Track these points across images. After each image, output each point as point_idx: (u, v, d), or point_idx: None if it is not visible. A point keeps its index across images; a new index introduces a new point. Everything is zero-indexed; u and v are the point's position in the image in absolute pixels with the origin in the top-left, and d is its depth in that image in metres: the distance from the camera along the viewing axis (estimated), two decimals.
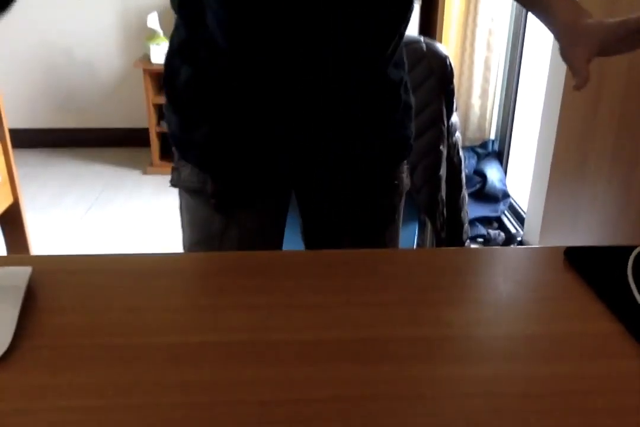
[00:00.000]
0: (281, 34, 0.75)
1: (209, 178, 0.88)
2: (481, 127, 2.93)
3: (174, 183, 0.92)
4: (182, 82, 0.85)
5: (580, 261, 0.65)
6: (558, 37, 0.76)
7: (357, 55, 0.79)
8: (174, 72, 0.86)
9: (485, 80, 2.77)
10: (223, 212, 0.89)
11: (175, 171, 0.93)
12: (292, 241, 1.11)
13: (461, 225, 1.53)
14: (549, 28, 0.78)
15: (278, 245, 0.98)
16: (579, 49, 0.73)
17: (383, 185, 0.95)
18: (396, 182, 0.96)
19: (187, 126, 0.88)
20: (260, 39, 0.76)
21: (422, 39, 1.34)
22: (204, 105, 0.85)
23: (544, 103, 1.93)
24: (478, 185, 2.67)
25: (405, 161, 0.97)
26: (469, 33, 2.52)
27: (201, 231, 0.92)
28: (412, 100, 0.94)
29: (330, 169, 0.91)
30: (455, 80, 1.45)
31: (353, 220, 0.95)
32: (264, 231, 0.94)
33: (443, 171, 1.42)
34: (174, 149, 0.92)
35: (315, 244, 1.01)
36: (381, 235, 0.98)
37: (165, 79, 0.88)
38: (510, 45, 2.59)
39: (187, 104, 0.87)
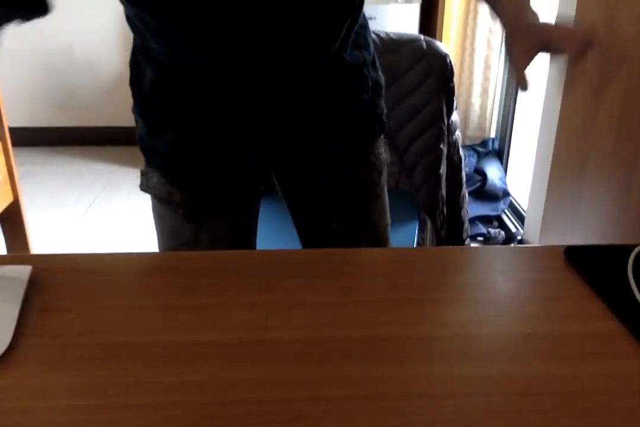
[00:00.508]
0: (211, 34, 0.75)
1: (176, 189, 0.88)
2: (481, 126, 2.93)
3: (143, 188, 0.93)
4: (147, 84, 0.85)
5: (580, 260, 0.65)
6: (504, 31, 0.76)
7: (301, 47, 0.78)
8: (139, 74, 0.86)
9: (486, 79, 2.77)
10: (192, 220, 0.90)
11: (144, 176, 0.92)
12: (284, 240, 1.11)
13: (461, 224, 1.53)
14: (498, 21, 0.78)
15: (251, 248, 0.99)
16: (519, 48, 0.72)
17: (359, 163, 0.96)
18: (371, 158, 0.96)
19: (152, 131, 0.88)
20: (192, 41, 0.76)
21: (422, 37, 1.34)
22: (168, 109, 0.85)
23: (544, 102, 1.93)
24: (478, 184, 2.67)
25: (381, 137, 0.98)
26: (469, 32, 2.52)
27: (172, 239, 0.93)
28: (382, 78, 0.95)
29: (305, 153, 0.91)
30: (456, 79, 1.45)
31: (335, 199, 0.96)
32: (235, 235, 0.95)
33: (443, 170, 1.42)
34: (141, 153, 0.92)
35: (306, 229, 1.02)
36: (366, 212, 0.98)
37: (131, 81, 0.88)
38: None
39: (152, 107, 0.86)
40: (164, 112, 0.86)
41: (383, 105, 0.95)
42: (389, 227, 1.03)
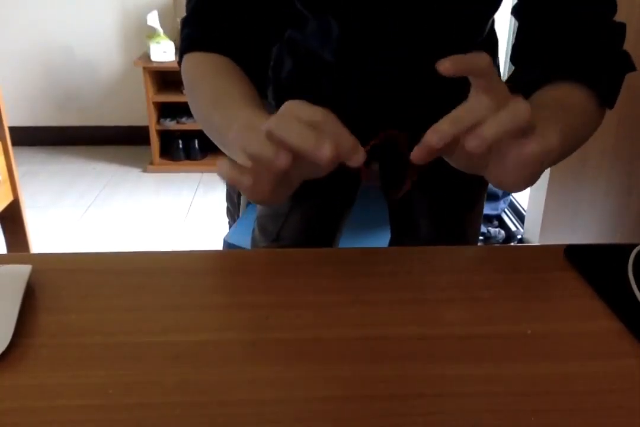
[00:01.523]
0: (386, 44, 0.78)
1: None
2: None
3: None
4: (285, 73, 0.89)
5: (581, 259, 0.65)
6: None
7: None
8: (280, 62, 0.91)
9: None
10: (292, 196, 0.95)
11: None
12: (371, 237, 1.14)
13: None
14: None
15: (334, 236, 1.04)
16: None
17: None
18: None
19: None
20: (368, 52, 0.80)
21: None
22: (298, 94, 0.88)
23: None
24: None
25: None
26: None
27: (269, 207, 1.01)
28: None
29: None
30: None
31: (432, 200, 0.98)
32: (323, 220, 1.01)
33: None
34: None
35: (397, 222, 1.06)
36: (461, 219, 1.00)
37: (272, 67, 0.92)
38: (510, 44, 2.59)
39: (284, 93, 0.90)
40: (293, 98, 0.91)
41: None
42: (479, 233, 1.05)
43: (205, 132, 0.71)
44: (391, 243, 1.10)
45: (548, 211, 1.88)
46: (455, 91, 0.82)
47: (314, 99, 0.87)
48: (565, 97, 0.67)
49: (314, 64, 0.86)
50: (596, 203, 1.45)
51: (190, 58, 0.75)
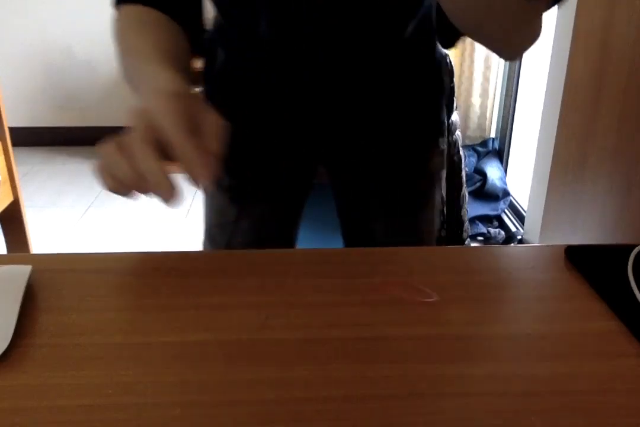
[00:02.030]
0: (311, 24, 0.77)
1: (225, 174, 0.90)
2: (481, 126, 2.93)
3: None
4: (217, 67, 0.87)
5: (581, 260, 0.65)
6: None
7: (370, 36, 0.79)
8: (212, 52, 0.88)
9: (486, 79, 2.77)
10: (237, 204, 0.93)
11: None
12: (326, 239, 1.12)
13: (461, 223, 1.53)
14: None
15: (290, 239, 1.00)
16: None
17: (414, 167, 0.95)
18: (428, 165, 0.95)
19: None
20: (299, 29, 0.78)
21: None
22: (230, 95, 0.87)
23: (544, 102, 1.93)
24: (478, 184, 2.67)
25: (441, 146, 0.96)
26: None
27: (217, 217, 0.97)
28: (454, 84, 0.95)
29: (360, 150, 0.91)
30: (456, 79, 1.45)
31: (384, 200, 0.95)
32: (275, 224, 0.97)
33: (443, 169, 1.42)
34: None
35: (350, 227, 1.02)
36: (414, 216, 0.97)
37: (204, 66, 0.91)
38: None
39: (217, 91, 0.89)
40: (226, 97, 0.88)
41: (445, 109, 0.94)
42: (435, 233, 1.03)
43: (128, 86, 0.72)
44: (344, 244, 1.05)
45: (548, 211, 1.88)
46: (391, 74, 0.81)
47: (250, 90, 0.87)
48: None
49: (248, 50, 0.84)
50: (596, 203, 1.45)
51: (123, 10, 0.75)
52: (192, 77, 0.71)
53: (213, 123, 0.59)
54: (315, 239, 1.28)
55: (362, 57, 0.81)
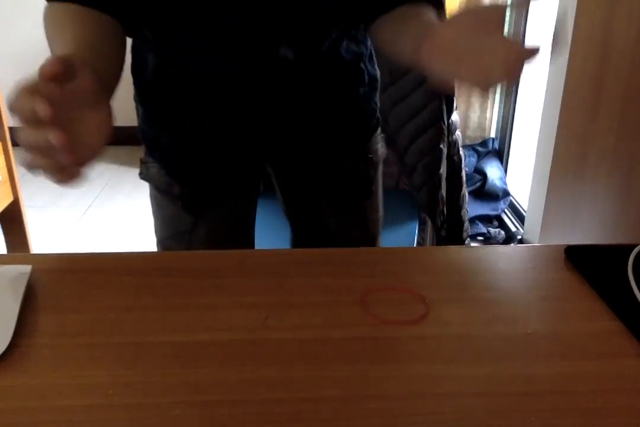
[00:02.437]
0: (209, 26, 0.76)
1: (176, 181, 0.89)
2: (481, 126, 2.93)
3: (142, 177, 0.94)
4: (149, 71, 0.86)
5: (581, 260, 0.65)
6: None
7: (295, 41, 0.79)
8: (141, 61, 0.86)
9: None
10: (191, 211, 0.91)
11: (143, 164, 0.94)
12: (282, 239, 1.11)
13: (461, 223, 1.53)
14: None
15: (248, 241, 1.00)
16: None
17: (356, 158, 0.96)
18: (369, 154, 0.96)
19: (152, 121, 0.88)
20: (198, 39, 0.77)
21: None
22: (167, 99, 0.86)
23: (544, 102, 1.93)
24: (478, 184, 2.67)
25: (378, 132, 0.98)
26: None
27: (170, 228, 0.94)
28: (378, 73, 0.96)
29: (302, 148, 0.92)
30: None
31: (331, 195, 0.96)
32: (233, 227, 0.96)
33: (443, 170, 1.42)
34: (142, 142, 0.93)
35: (299, 224, 1.02)
36: (361, 207, 0.99)
37: (132, 68, 0.89)
38: None
39: (153, 96, 0.87)
40: (163, 103, 0.86)
41: (378, 100, 0.96)
42: (381, 220, 1.05)
43: None
44: (294, 239, 1.06)
45: (548, 211, 1.88)
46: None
47: (186, 97, 0.85)
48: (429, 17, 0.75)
49: (179, 55, 0.82)
50: (596, 203, 1.45)
51: (49, 8, 0.73)
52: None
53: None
54: (273, 237, 1.27)
55: (303, 67, 0.82)
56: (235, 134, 0.87)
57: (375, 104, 0.95)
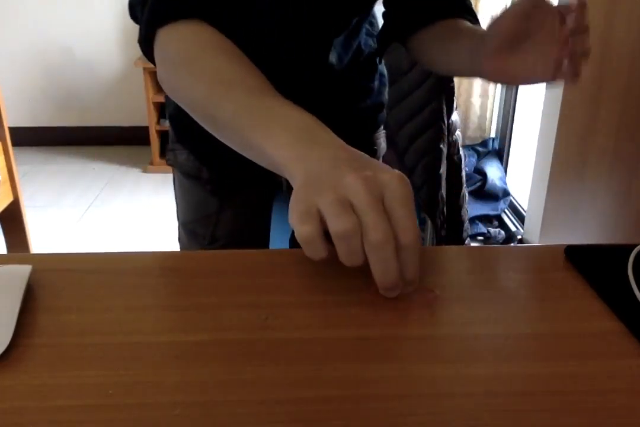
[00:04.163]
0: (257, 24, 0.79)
1: (204, 166, 0.92)
2: (481, 126, 2.93)
3: (170, 163, 0.98)
4: None
5: (581, 259, 0.65)
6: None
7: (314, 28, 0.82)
8: None
9: None
10: (218, 195, 0.94)
11: (171, 152, 0.97)
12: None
13: (461, 223, 1.53)
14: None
15: (266, 229, 1.05)
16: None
17: (363, 150, 0.99)
18: (375, 147, 1.01)
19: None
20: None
21: None
22: None
23: (544, 102, 1.93)
24: (478, 184, 2.67)
25: (381, 128, 1.03)
26: None
27: (196, 212, 0.98)
28: (385, 69, 1.00)
29: None
30: (456, 79, 1.45)
31: None
32: (255, 213, 1.02)
33: (443, 169, 1.42)
34: (171, 129, 0.96)
35: None
36: None
37: None
38: None
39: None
40: None
41: (387, 94, 1.00)
42: None
43: (202, 122, 0.62)
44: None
45: (548, 211, 1.88)
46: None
47: None
48: (467, 26, 0.78)
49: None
50: (596, 203, 1.45)
51: (168, 32, 0.62)
52: None
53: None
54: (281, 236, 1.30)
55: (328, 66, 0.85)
56: None
57: (385, 98, 0.99)
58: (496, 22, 0.66)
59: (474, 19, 0.81)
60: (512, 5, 0.65)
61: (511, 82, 0.72)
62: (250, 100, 0.56)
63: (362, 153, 0.53)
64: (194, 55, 0.61)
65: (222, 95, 0.58)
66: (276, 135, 0.53)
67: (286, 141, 0.53)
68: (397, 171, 0.50)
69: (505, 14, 0.65)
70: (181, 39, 0.63)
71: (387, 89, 1.00)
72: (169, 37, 0.63)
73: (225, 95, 0.57)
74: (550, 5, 0.64)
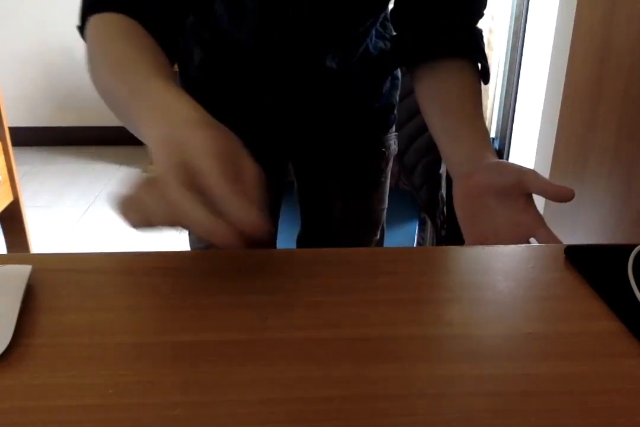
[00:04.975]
0: (270, 20, 0.80)
1: None
2: None
3: None
4: (194, 65, 0.89)
5: (581, 260, 0.65)
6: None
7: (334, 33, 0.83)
8: (187, 54, 0.90)
9: None
10: None
11: None
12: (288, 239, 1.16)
13: None
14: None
15: (274, 226, 1.06)
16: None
17: (370, 151, 1.01)
18: (383, 149, 1.04)
19: None
20: (288, 30, 0.81)
21: None
22: (210, 93, 0.89)
23: (544, 102, 1.93)
24: None
25: (393, 129, 1.05)
26: None
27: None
28: (398, 71, 1.01)
29: (323, 137, 0.99)
30: None
31: (342, 181, 1.04)
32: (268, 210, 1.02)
33: (443, 169, 1.42)
34: None
35: (309, 206, 1.10)
36: (368, 196, 1.07)
37: (179, 61, 0.92)
38: (510, 44, 2.59)
39: (199, 87, 0.90)
40: (205, 93, 0.91)
41: (397, 97, 1.01)
42: (385, 212, 1.12)
43: (107, 104, 0.65)
44: (302, 229, 1.13)
45: (548, 211, 1.87)
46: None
47: (228, 89, 0.89)
48: (465, 87, 0.76)
49: (227, 49, 0.85)
50: (596, 203, 1.45)
51: (94, 20, 0.68)
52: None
53: (251, 170, 0.53)
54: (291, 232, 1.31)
55: (333, 66, 0.85)
56: (268, 123, 0.92)
57: (395, 100, 1.00)
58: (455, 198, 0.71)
59: (484, 61, 0.79)
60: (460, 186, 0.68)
61: (484, 243, 0.75)
62: (141, 82, 0.59)
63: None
64: (96, 44, 0.67)
65: (111, 81, 0.63)
66: (145, 114, 0.56)
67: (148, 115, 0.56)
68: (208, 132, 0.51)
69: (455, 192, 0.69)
70: (98, 26, 0.68)
71: (398, 91, 1.01)
72: (90, 26, 0.69)
73: (113, 81, 0.63)
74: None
